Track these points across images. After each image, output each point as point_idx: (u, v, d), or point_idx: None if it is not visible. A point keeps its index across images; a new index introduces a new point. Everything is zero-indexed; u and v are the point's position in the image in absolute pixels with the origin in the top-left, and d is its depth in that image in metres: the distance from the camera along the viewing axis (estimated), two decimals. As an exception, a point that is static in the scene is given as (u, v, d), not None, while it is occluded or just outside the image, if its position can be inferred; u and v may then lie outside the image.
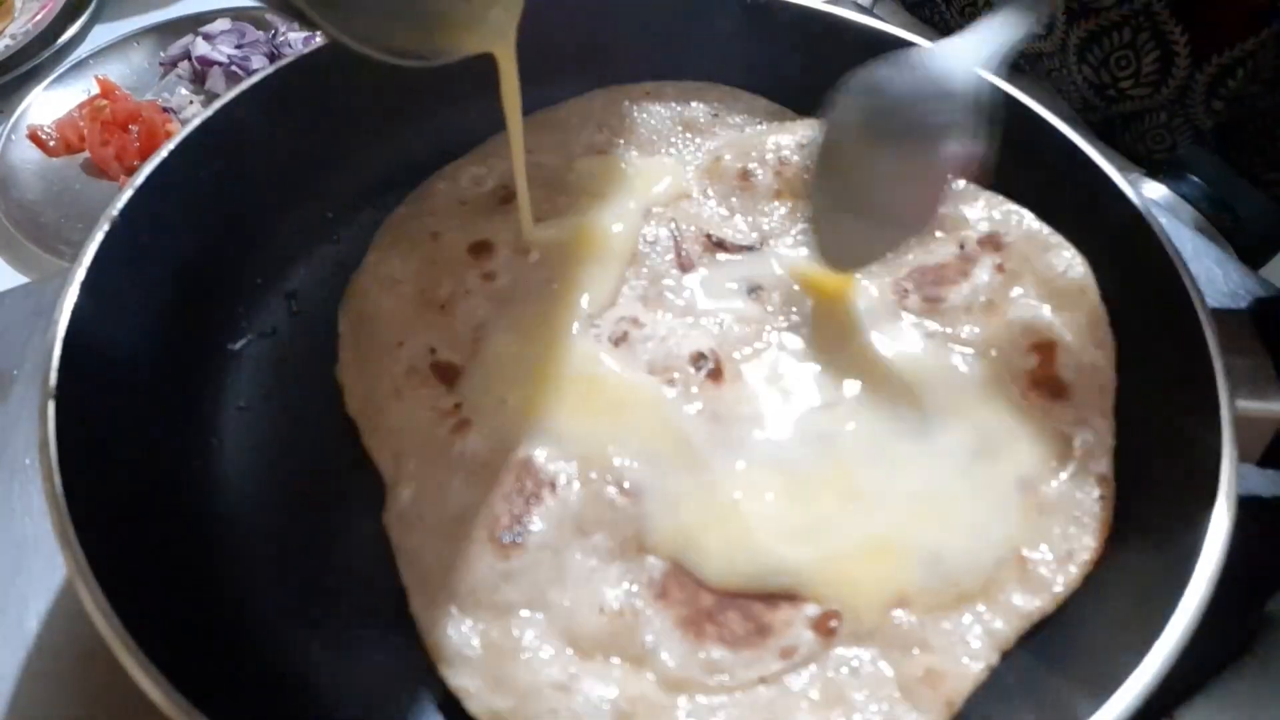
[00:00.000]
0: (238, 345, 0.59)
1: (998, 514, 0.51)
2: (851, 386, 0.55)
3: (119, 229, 0.52)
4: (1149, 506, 0.50)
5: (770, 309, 0.59)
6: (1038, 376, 0.55)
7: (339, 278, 0.63)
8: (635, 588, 0.48)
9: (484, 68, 0.57)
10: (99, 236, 0.51)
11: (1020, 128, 0.61)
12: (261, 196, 0.62)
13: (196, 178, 0.57)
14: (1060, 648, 0.48)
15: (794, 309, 0.59)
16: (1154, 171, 0.90)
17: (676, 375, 0.55)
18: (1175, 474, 0.48)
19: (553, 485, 0.51)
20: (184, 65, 0.96)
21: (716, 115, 0.70)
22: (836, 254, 0.58)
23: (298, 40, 0.98)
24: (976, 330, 0.57)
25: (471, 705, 0.46)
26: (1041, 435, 0.53)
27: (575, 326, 0.57)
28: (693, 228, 0.62)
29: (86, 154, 0.88)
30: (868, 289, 0.59)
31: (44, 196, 0.85)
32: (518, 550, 0.49)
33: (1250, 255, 0.74)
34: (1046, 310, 0.56)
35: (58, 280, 0.50)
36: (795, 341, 0.57)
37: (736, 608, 0.48)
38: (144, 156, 0.59)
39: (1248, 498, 0.44)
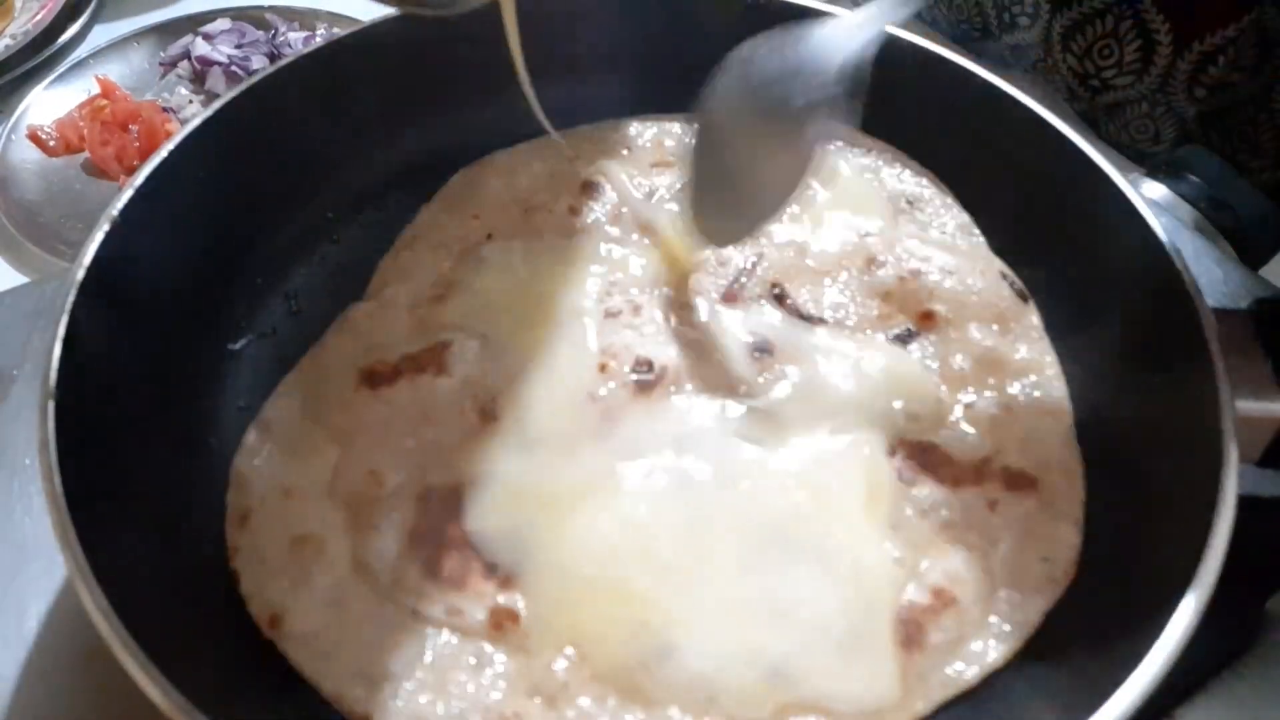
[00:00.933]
0: (238, 345, 0.59)
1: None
2: (757, 489, 0.51)
3: (119, 229, 0.52)
4: (1148, 506, 0.50)
5: (757, 376, 0.56)
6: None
7: (339, 278, 0.63)
8: (411, 484, 0.52)
9: (483, 71, 0.57)
10: (99, 236, 0.51)
11: (1020, 128, 0.61)
12: (261, 196, 0.62)
13: (196, 178, 0.57)
14: (1059, 648, 0.48)
15: (777, 388, 0.55)
16: (1141, 161, 0.90)
17: (614, 365, 0.55)
18: (1175, 474, 0.48)
19: (442, 369, 0.56)
20: (184, 65, 0.96)
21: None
22: (709, 230, 0.58)
23: (298, 40, 0.98)
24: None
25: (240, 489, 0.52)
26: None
27: (593, 286, 0.60)
28: (773, 271, 0.61)
29: (86, 154, 0.88)
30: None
31: (44, 196, 0.85)
32: (373, 394, 0.55)
33: (1250, 255, 0.74)
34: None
35: (58, 280, 0.50)
36: (760, 411, 0.54)
37: (461, 552, 0.49)
38: (144, 156, 0.59)
39: (1248, 498, 0.44)
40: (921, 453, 0.54)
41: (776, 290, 0.60)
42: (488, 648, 0.47)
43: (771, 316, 0.59)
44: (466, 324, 0.58)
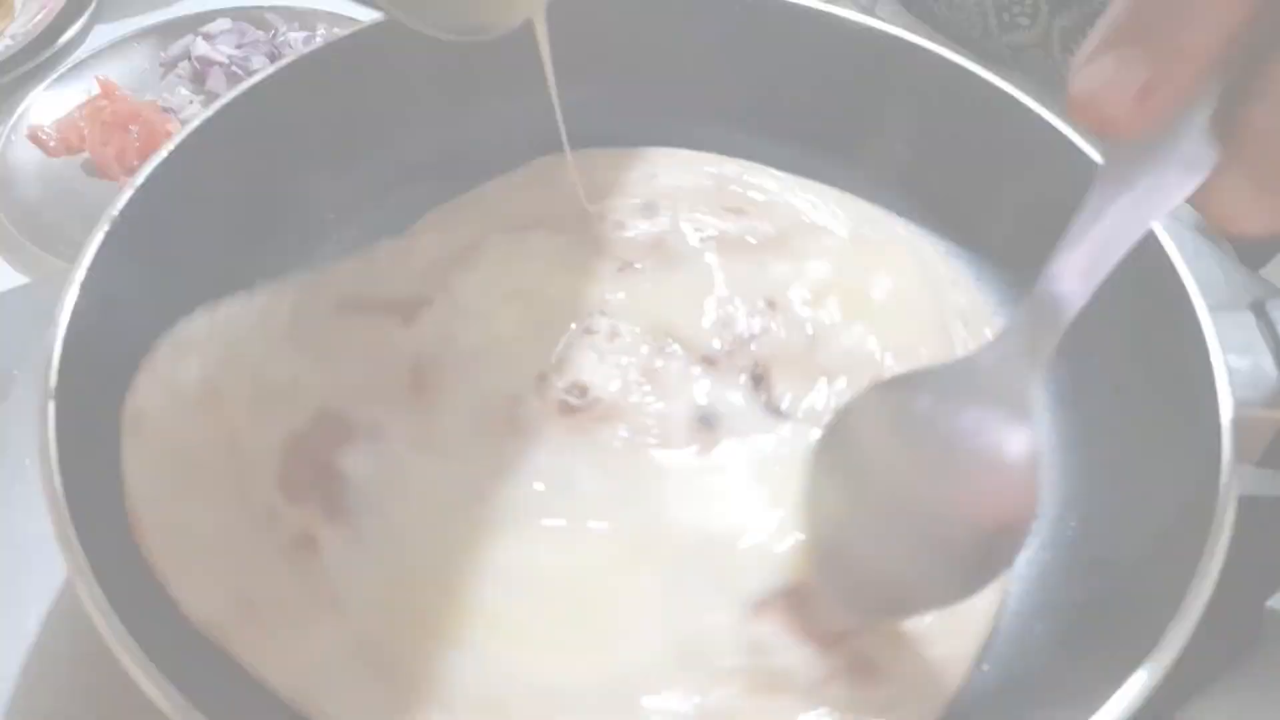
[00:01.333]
0: (238, 345, 0.59)
1: None
2: (618, 558, 0.47)
3: (119, 229, 0.52)
4: (1147, 508, 0.50)
5: (685, 443, 0.51)
6: None
7: (339, 278, 0.63)
8: (320, 402, 0.51)
9: (488, 74, 0.57)
10: (99, 236, 0.51)
11: (1017, 125, 0.61)
12: (261, 197, 0.62)
13: (196, 178, 0.57)
14: (1059, 648, 0.48)
15: (696, 462, 0.51)
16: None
17: (553, 377, 0.53)
18: (1175, 474, 0.48)
19: (407, 322, 0.55)
20: (184, 65, 0.96)
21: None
22: (844, 591, 0.45)
23: (298, 40, 0.98)
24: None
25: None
26: None
27: (590, 298, 0.57)
28: (770, 352, 0.54)
29: (86, 154, 0.88)
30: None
31: (44, 196, 0.84)
32: (340, 319, 0.55)
33: (1250, 255, 0.74)
34: None
35: (58, 280, 0.50)
36: (666, 472, 0.50)
37: (318, 474, 0.49)
38: (144, 156, 0.58)
39: (1248, 498, 0.44)
40: (790, 595, 0.46)
41: (760, 372, 0.54)
42: (283, 560, 0.46)
43: (738, 395, 0.53)
44: (460, 292, 0.57)
